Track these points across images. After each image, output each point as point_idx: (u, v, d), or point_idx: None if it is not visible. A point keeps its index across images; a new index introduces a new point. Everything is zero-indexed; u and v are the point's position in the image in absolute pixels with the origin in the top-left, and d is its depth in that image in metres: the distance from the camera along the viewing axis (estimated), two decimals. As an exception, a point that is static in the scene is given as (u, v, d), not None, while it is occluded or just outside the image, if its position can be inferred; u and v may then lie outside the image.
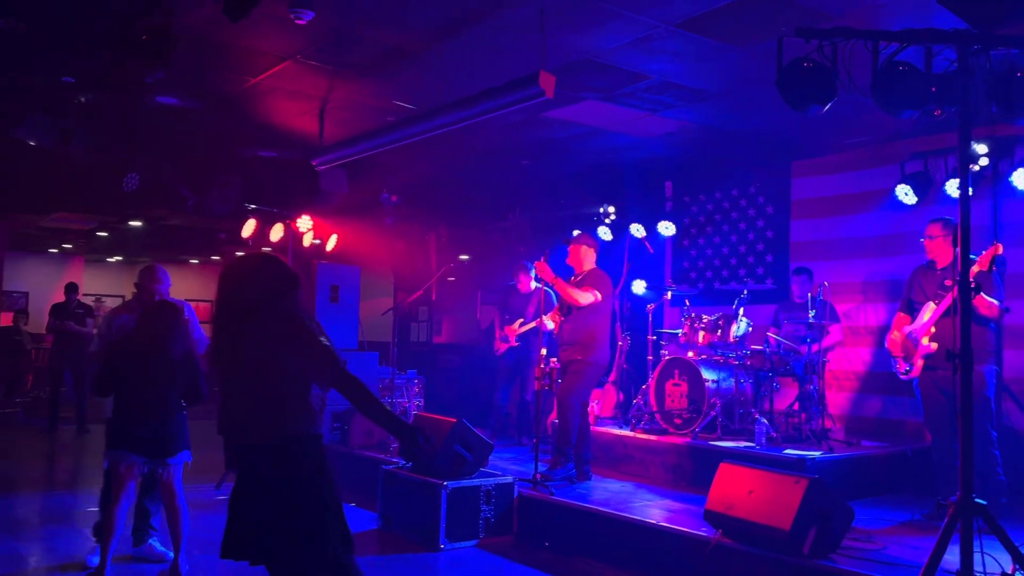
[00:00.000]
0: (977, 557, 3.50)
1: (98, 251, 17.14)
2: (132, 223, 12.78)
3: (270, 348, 2.81)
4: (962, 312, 3.27)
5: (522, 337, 8.41)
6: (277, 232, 8.43)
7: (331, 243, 8.95)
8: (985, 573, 3.67)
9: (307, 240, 8.57)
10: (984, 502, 3.34)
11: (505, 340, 8.49)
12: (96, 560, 4.92)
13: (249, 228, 8.36)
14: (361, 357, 8.64)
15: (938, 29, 3.43)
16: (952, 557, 3.46)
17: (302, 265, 8.52)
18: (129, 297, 18.40)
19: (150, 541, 5.27)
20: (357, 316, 8.89)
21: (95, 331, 11.19)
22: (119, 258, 18.59)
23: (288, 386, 2.82)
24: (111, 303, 18.33)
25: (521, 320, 8.39)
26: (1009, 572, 3.74)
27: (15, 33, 5.13)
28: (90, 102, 5.99)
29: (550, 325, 8.09)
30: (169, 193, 8.55)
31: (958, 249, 3.29)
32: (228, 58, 5.81)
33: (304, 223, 8.40)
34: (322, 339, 2.87)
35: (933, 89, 3.47)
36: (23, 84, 6.30)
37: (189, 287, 19.11)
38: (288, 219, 8.37)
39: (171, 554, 4.99)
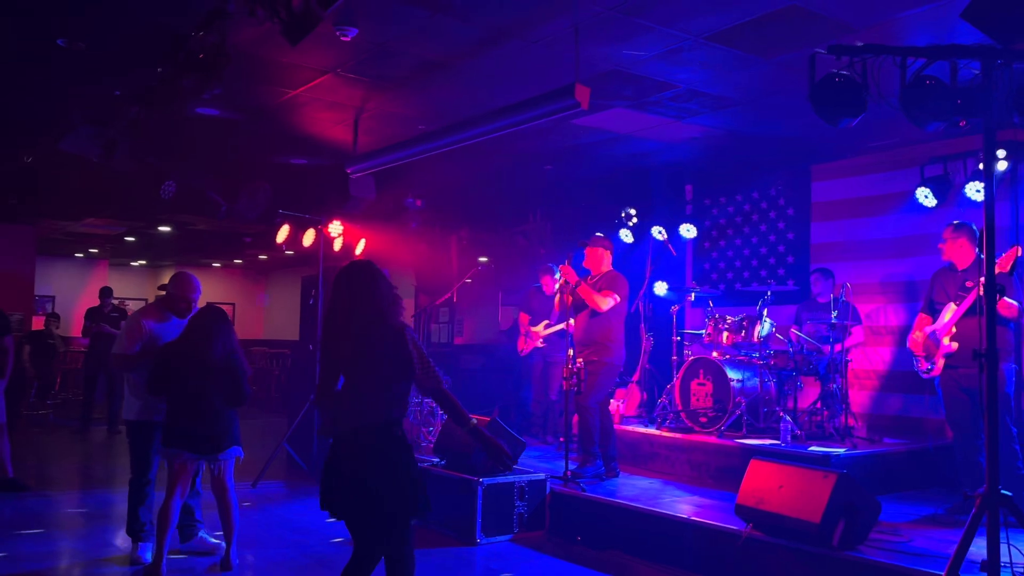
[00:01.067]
0: (1003, 548, 3.67)
1: (123, 255, 17.45)
2: (161, 228, 13.04)
3: (401, 355, 3.36)
4: (988, 313, 3.44)
5: (547, 338, 8.62)
6: (309, 237, 8.65)
7: (360, 247, 9.17)
8: (1011, 563, 3.84)
9: (337, 244, 8.78)
10: (1010, 493, 3.51)
11: (530, 339, 8.69)
12: (148, 556, 5.15)
13: (283, 233, 8.59)
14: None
15: (963, 45, 3.59)
16: (977, 549, 3.62)
17: (331, 269, 8.74)
18: (151, 300, 18.81)
19: (200, 534, 5.48)
20: (385, 318, 9.08)
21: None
22: (143, 262, 18.90)
23: (407, 382, 3.42)
24: (134, 306, 18.63)
25: (547, 322, 8.60)
26: (1033, 562, 3.91)
27: (74, 51, 5.37)
28: (134, 114, 6.21)
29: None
30: (204, 200, 8.77)
31: (983, 254, 3.46)
32: (270, 72, 6.03)
33: (335, 228, 8.61)
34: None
35: (959, 101, 3.62)
36: (70, 97, 6.55)
37: (211, 290, 19.41)
38: (320, 224, 8.59)
39: (223, 545, 5.22)
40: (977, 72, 3.65)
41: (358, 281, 3.44)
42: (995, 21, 3.76)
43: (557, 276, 8.62)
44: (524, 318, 8.89)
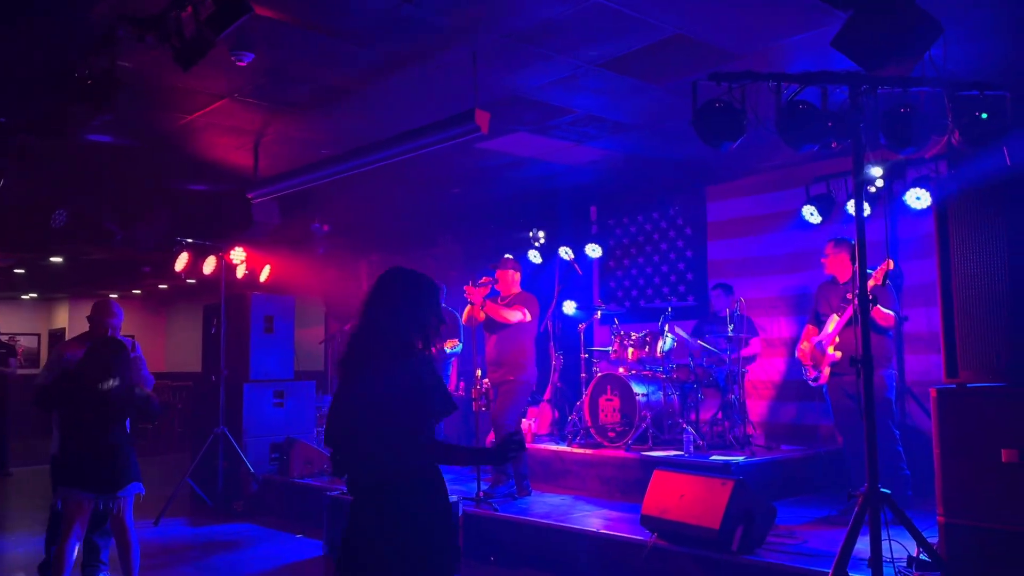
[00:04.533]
0: (885, 545, 3.90)
1: (12, 288, 16.58)
2: (53, 259, 12.49)
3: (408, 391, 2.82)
4: (863, 322, 3.68)
5: None
6: (210, 264, 8.44)
7: (264, 274, 9.01)
8: (893, 559, 4.07)
9: (240, 271, 8.60)
10: (889, 491, 3.73)
11: None
12: (45, 599, 4.93)
13: (182, 261, 8.35)
14: (297, 387, 8.71)
15: (832, 71, 3.86)
16: (863, 546, 3.83)
17: (235, 297, 8.56)
18: (45, 335, 17.92)
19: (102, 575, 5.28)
20: (292, 346, 8.96)
21: (17, 371, 10.92)
22: (34, 295, 18.01)
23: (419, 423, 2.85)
24: (26, 342, 17.74)
25: None
26: (915, 555, 4.16)
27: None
28: (21, 142, 6.00)
29: (448, 349, 8.31)
30: (97, 228, 8.48)
31: (856, 266, 3.70)
32: (165, 97, 5.91)
33: (237, 255, 8.44)
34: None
35: (830, 124, 3.90)
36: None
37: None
38: (221, 251, 8.39)
39: (122, 589, 5.02)
40: (846, 99, 3.93)
41: (378, 293, 2.84)
42: (862, 49, 4.05)
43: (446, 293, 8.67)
44: None
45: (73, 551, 4.77)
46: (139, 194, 8.87)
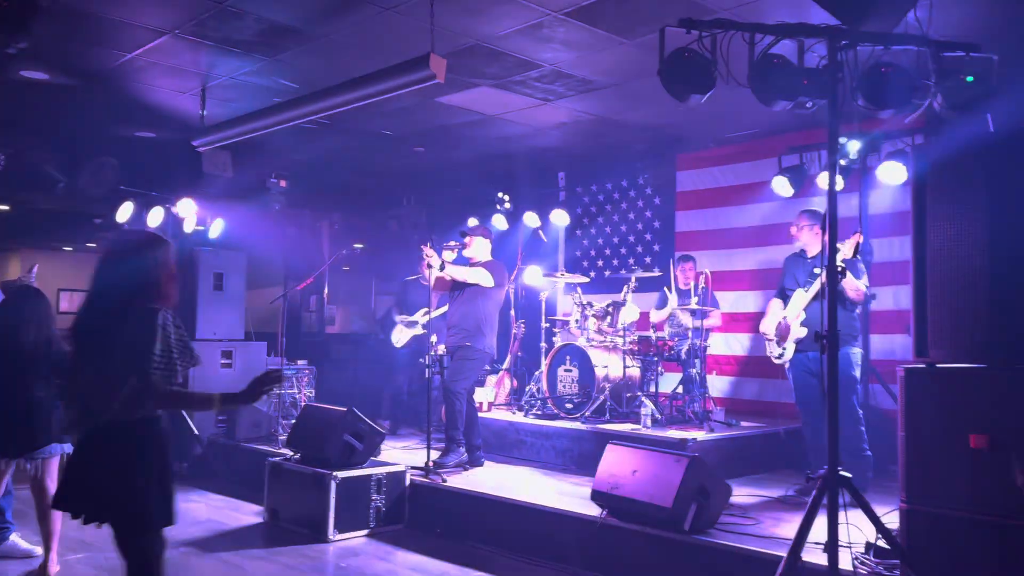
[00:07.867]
0: (844, 529, 3.70)
1: (-43, 239, 15.93)
2: (-2, 207, 11.95)
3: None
4: (830, 295, 3.44)
5: (429, 325, 8.32)
6: (155, 216, 8.03)
7: (215, 229, 8.61)
8: (851, 544, 3.88)
9: (189, 225, 8.20)
10: (849, 475, 3.53)
11: (405, 332, 8.40)
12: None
13: (124, 212, 7.93)
14: (248, 347, 8.40)
15: (810, 24, 3.58)
16: (819, 529, 3.64)
17: (183, 251, 8.18)
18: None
19: (11, 538, 4.98)
20: (243, 304, 8.62)
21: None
22: (-19, 246, 17.34)
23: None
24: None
25: (425, 309, 8.26)
26: (873, 542, 3.98)
27: None
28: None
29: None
30: (38, 175, 8.02)
31: (826, 237, 3.46)
32: (101, 31, 5.48)
33: (185, 207, 8.02)
34: None
35: (805, 81, 3.62)
36: None
37: (63, 277, 18.04)
38: (168, 202, 7.98)
39: (35, 550, 4.77)
40: (823, 56, 3.65)
41: (109, 257, 3.06)
42: (842, 3, 3.78)
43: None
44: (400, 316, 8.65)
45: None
46: (83, 139, 8.39)
